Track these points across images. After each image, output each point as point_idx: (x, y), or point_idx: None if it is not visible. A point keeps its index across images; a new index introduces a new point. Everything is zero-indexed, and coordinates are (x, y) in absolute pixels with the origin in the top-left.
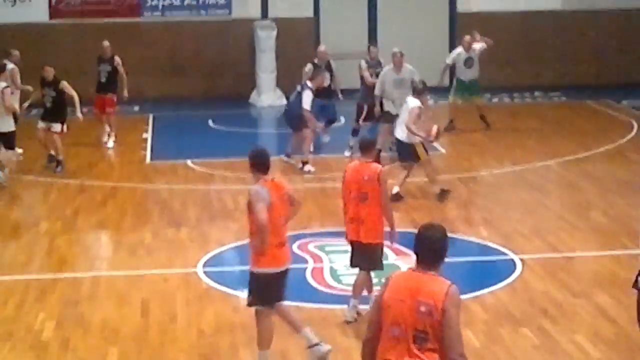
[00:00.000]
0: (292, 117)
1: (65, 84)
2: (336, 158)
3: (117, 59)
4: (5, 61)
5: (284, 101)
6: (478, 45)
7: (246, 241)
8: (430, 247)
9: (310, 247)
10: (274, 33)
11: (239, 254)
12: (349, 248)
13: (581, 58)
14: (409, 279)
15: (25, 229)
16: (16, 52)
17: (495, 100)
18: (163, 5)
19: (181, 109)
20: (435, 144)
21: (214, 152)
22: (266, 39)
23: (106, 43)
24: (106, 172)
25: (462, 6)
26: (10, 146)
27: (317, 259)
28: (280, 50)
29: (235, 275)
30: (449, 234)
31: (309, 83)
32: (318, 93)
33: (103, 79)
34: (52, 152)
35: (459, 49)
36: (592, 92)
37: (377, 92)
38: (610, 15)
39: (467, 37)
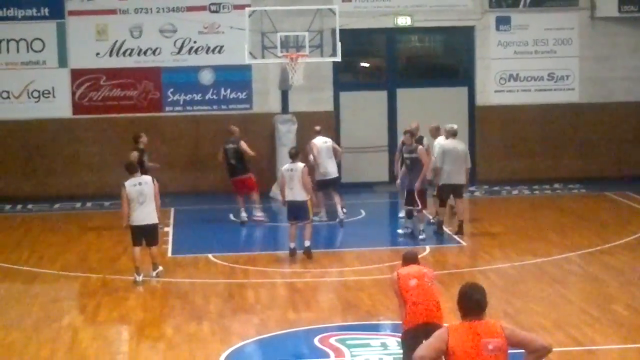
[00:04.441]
0: None
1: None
2: (354, 252)
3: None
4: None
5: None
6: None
7: (268, 335)
8: (478, 302)
9: (332, 340)
10: (294, 127)
11: (261, 348)
12: (380, 341)
13: (600, 150)
14: (468, 327)
15: (47, 323)
16: (144, 138)
17: (515, 192)
18: (185, 100)
19: (202, 202)
20: (457, 237)
21: (234, 245)
22: (286, 132)
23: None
24: (128, 266)
25: (480, 99)
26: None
27: (338, 352)
28: (300, 144)
29: None
30: None
31: None
32: None
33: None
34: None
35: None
36: (611, 183)
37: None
38: (628, 106)
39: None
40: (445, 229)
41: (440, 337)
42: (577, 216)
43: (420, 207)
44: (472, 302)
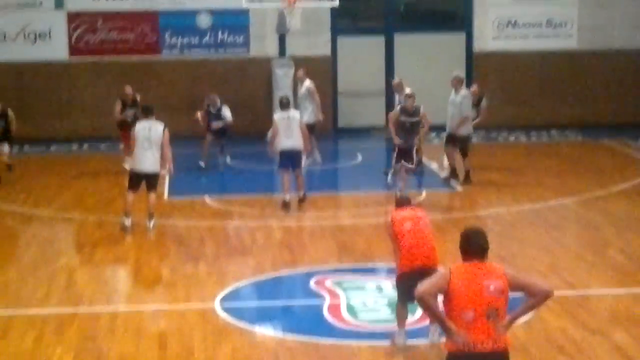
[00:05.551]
0: None
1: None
2: (350, 196)
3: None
4: None
5: None
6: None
7: (264, 277)
8: (480, 245)
9: (327, 283)
10: (291, 71)
11: (256, 290)
12: (375, 284)
13: (597, 97)
14: (469, 268)
15: (43, 264)
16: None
17: (512, 139)
18: (182, 44)
19: (199, 145)
20: (453, 183)
21: (231, 188)
22: (283, 77)
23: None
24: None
25: (478, 46)
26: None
27: (334, 295)
28: (297, 88)
29: (253, 311)
30: None
31: None
32: None
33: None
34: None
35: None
36: (608, 130)
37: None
38: (626, 54)
39: (395, 80)
40: (440, 172)
41: (443, 276)
42: (574, 163)
43: (414, 165)
44: (474, 245)
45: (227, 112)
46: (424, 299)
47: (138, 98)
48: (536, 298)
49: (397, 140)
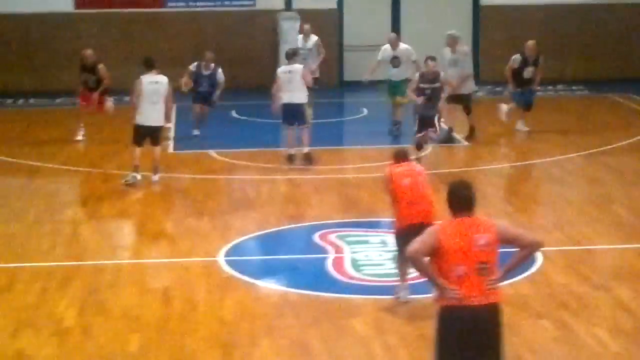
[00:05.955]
0: None
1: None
2: (354, 150)
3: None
4: None
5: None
6: (405, 46)
7: (268, 230)
8: (466, 198)
9: (332, 237)
10: (297, 24)
11: (260, 244)
12: (379, 238)
13: (604, 51)
14: (458, 224)
15: (48, 217)
16: None
17: None
18: None
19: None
20: (458, 137)
21: (236, 142)
22: (289, 30)
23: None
24: (129, 161)
25: None
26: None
27: (338, 249)
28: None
29: (256, 265)
30: None
31: None
32: None
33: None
34: None
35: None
36: (615, 85)
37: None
38: (633, 8)
39: (393, 35)
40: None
41: (432, 234)
42: (579, 117)
43: (437, 131)
44: (461, 199)
45: (221, 76)
46: (415, 258)
47: (100, 66)
48: (527, 250)
49: (419, 100)
